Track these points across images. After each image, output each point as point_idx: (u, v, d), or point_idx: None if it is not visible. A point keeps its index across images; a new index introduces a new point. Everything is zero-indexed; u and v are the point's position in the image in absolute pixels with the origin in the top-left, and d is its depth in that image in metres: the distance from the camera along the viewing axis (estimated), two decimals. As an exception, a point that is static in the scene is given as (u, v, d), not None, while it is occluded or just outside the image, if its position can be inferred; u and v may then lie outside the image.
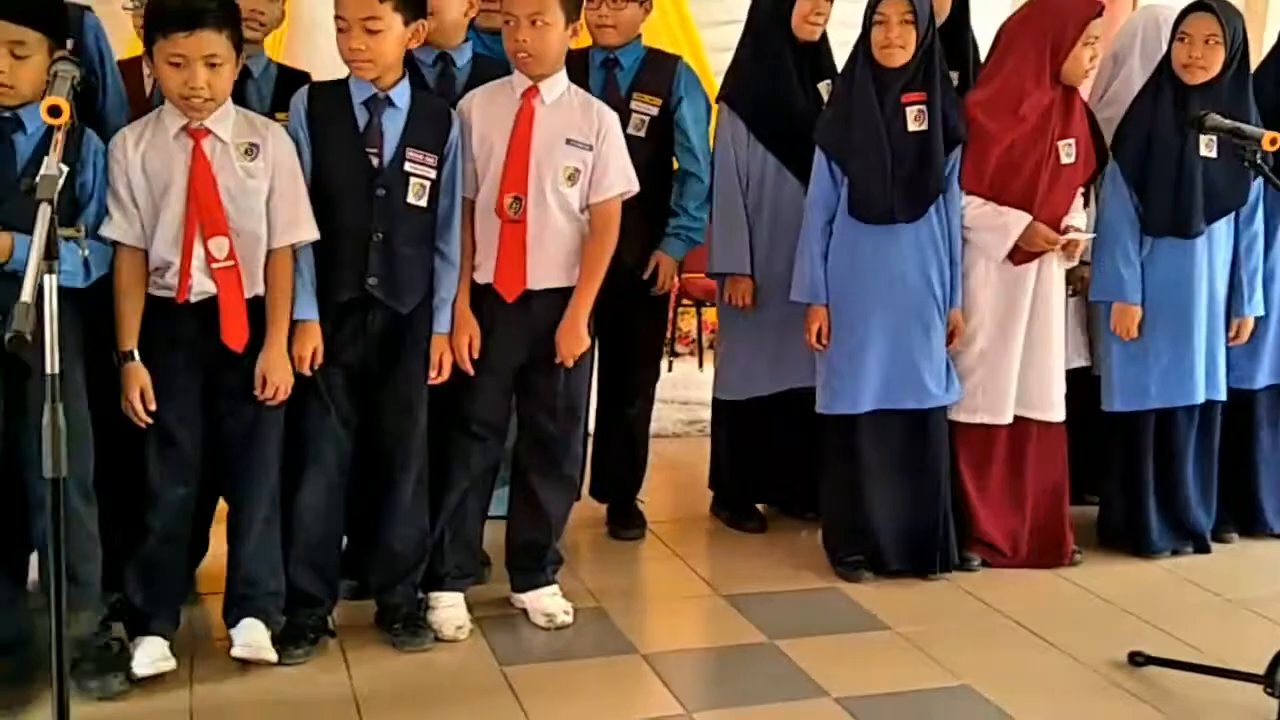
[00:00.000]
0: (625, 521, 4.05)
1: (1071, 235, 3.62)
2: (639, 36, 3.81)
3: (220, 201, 2.83)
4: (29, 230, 1.97)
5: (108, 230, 2.80)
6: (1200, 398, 3.81)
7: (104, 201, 2.82)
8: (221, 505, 3.12)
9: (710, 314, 6.38)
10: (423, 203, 3.04)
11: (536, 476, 3.32)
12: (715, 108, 3.95)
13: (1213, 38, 3.62)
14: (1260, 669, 2.82)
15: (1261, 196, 3.83)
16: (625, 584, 3.70)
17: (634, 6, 3.73)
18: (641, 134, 3.71)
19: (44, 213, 1.95)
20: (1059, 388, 3.73)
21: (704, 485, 4.24)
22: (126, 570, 2.94)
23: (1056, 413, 3.72)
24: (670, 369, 5.71)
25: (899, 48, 3.47)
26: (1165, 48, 3.74)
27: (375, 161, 3.00)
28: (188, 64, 2.75)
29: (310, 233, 2.94)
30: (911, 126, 3.52)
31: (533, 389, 3.26)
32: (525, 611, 3.35)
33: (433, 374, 3.12)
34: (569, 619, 3.31)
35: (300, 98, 3.04)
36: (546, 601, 3.34)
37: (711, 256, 3.89)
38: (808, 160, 3.66)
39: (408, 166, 3.02)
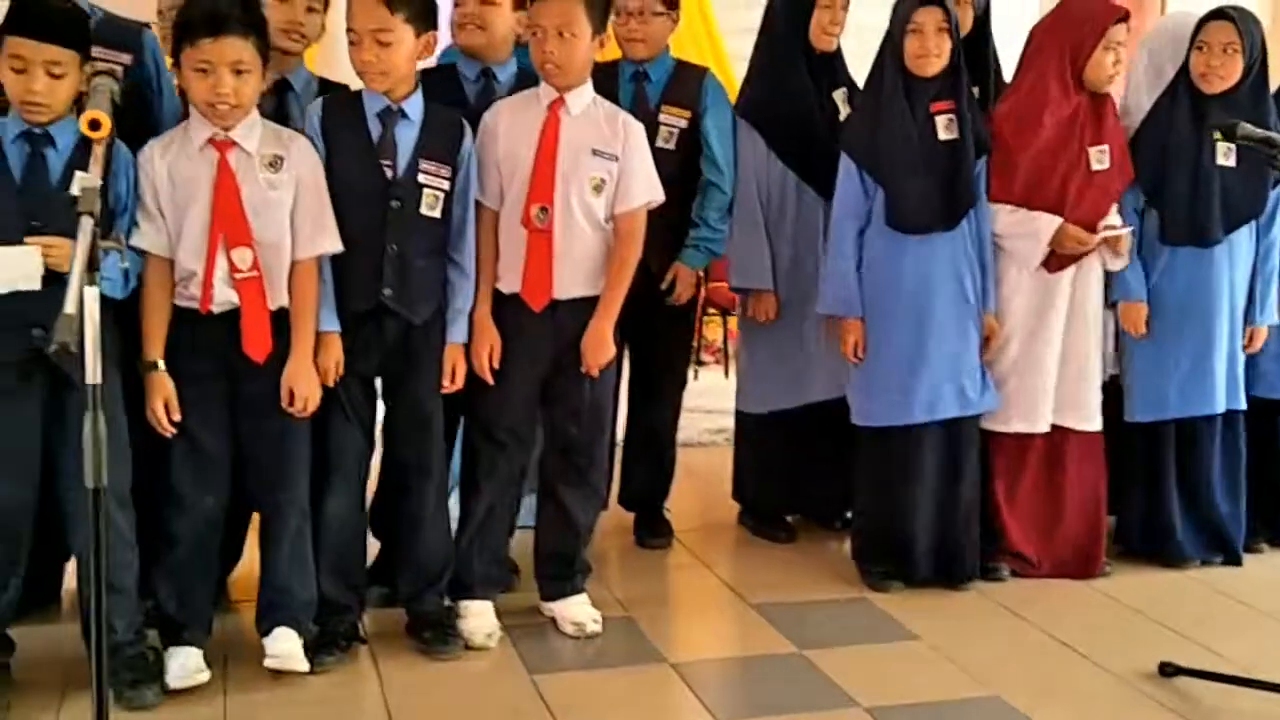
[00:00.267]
0: (653, 530, 4.06)
1: (1107, 232, 3.57)
2: (667, 48, 3.83)
3: (244, 213, 2.85)
4: (67, 241, 2.01)
5: (137, 240, 2.84)
6: (1221, 407, 3.79)
7: (135, 212, 2.85)
8: (256, 514, 3.14)
9: (735, 322, 6.38)
10: (436, 214, 3.06)
11: (563, 486, 3.33)
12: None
13: (1231, 46, 3.61)
14: (1292, 680, 2.81)
15: (1280, 205, 3.82)
16: (653, 593, 3.70)
17: (662, 19, 3.74)
18: (670, 146, 3.72)
19: (86, 225, 1.98)
20: (1096, 396, 3.71)
21: (729, 493, 4.23)
22: (156, 579, 2.96)
23: (1093, 421, 3.71)
24: (696, 378, 5.70)
25: (935, 57, 3.47)
26: (1180, 58, 3.72)
27: (389, 173, 3.02)
28: (214, 70, 2.78)
29: (334, 244, 2.96)
30: (942, 135, 3.52)
31: (559, 398, 3.27)
32: (554, 620, 3.36)
33: (445, 383, 3.13)
34: (598, 628, 3.32)
35: (315, 109, 3.06)
36: (575, 610, 3.35)
37: (732, 271, 3.89)
38: (825, 171, 3.66)
39: (421, 178, 3.04)
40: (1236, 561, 3.89)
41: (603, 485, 3.47)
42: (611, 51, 3.81)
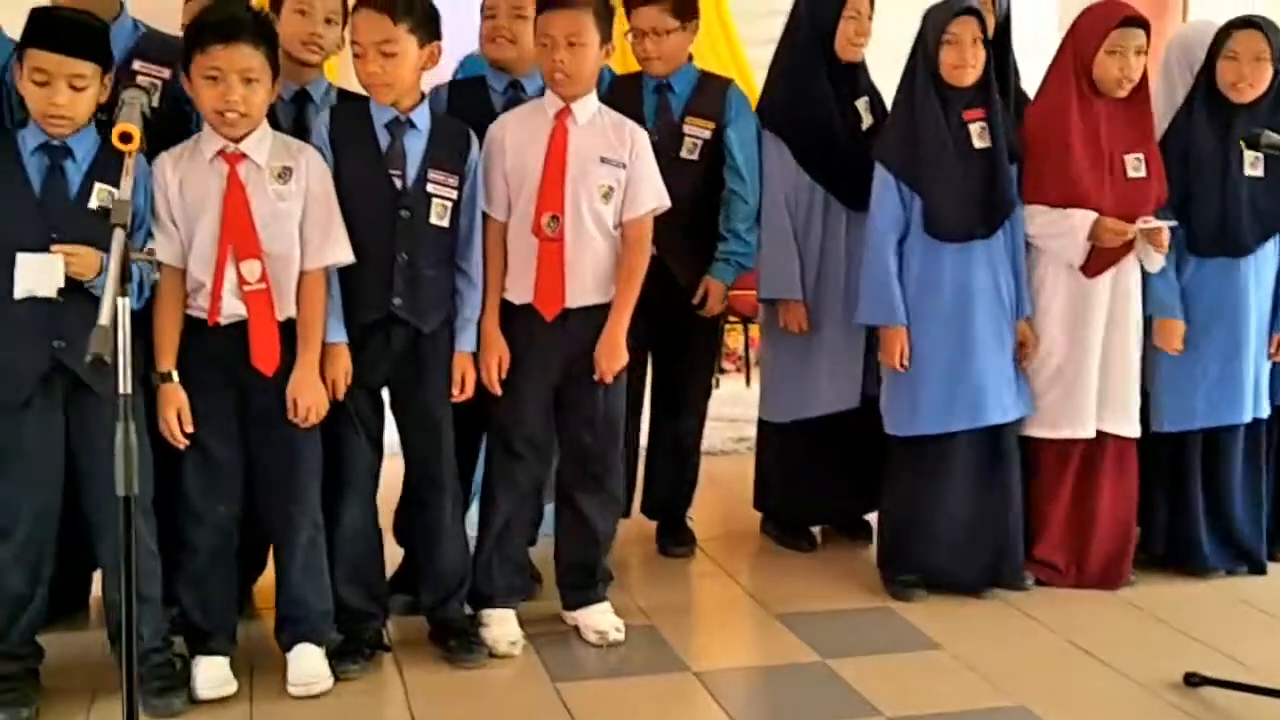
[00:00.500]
0: (675, 538, 4.06)
1: (1144, 224, 3.54)
2: (690, 59, 3.82)
3: (253, 225, 2.86)
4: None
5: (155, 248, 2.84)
6: (1248, 416, 3.78)
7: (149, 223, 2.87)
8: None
9: (757, 331, 6.38)
10: (445, 223, 3.07)
11: (581, 494, 3.34)
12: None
13: (1262, 55, 3.60)
14: (1318, 691, 2.80)
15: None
16: (676, 601, 3.71)
17: (678, 35, 3.72)
18: (694, 157, 3.73)
19: (118, 237, 2.00)
20: (1136, 402, 3.69)
21: (751, 502, 4.23)
22: (179, 588, 2.98)
23: (1134, 427, 3.69)
24: (718, 386, 5.71)
25: (970, 67, 3.48)
26: (1194, 67, 3.72)
27: (398, 183, 3.03)
28: (224, 77, 2.79)
29: (344, 255, 2.96)
30: (976, 143, 3.52)
31: (573, 406, 3.28)
32: (577, 629, 3.37)
33: (455, 392, 3.14)
34: (620, 636, 3.33)
35: (323, 120, 3.07)
36: (598, 619, 3.35)
37: (762, 281, 3.88)
38: (850, 180, 3.67)
39: (430, 188, 3.05)
40: (1261, 570, 3.87)
41: (620, 492, 3.47)
42: (635, 63, 3.84)
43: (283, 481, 2.98)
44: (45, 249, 2.66)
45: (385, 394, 3.18)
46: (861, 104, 3.83)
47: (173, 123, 3.01)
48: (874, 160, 3.59)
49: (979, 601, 3.63)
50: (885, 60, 3.85)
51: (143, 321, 2.82)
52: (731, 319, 6.38)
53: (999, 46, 3.82)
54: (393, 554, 3.38)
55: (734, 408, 5.43)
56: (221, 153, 2.86)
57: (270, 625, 3.17)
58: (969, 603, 3.63)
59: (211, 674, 2.96)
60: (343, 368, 3.00)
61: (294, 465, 2.97)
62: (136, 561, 2.10)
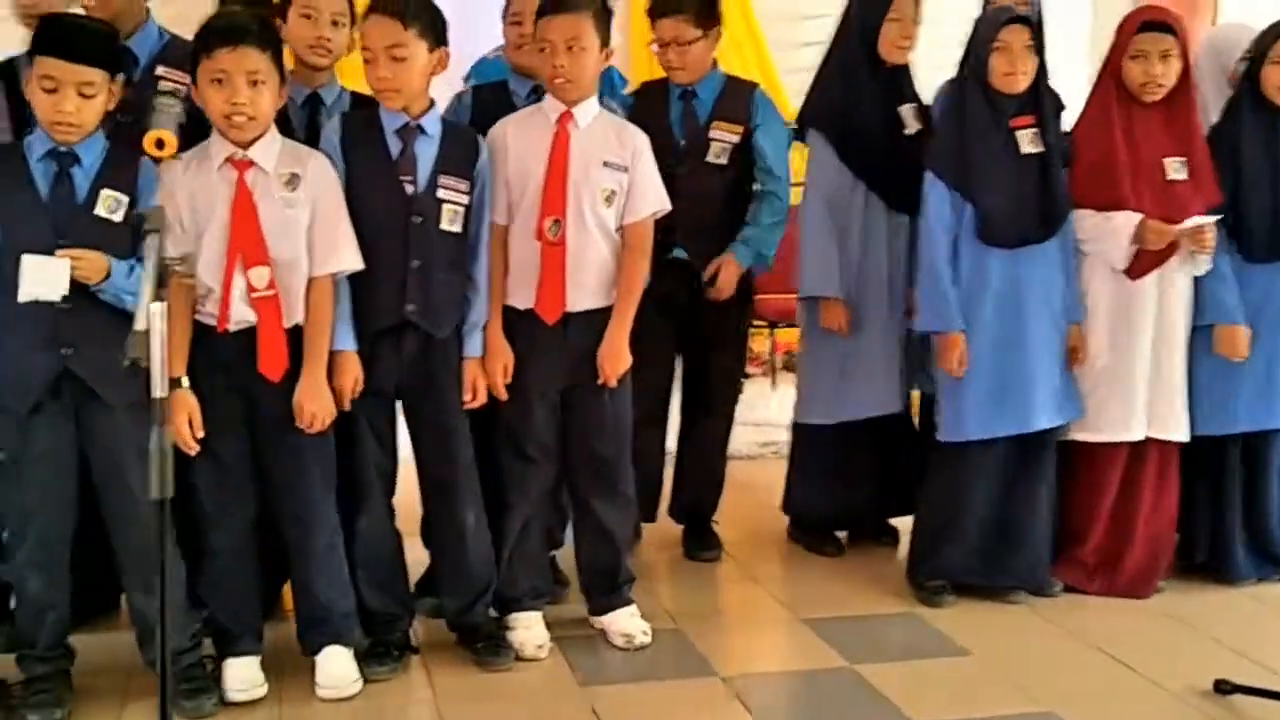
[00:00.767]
0: (702, 543, 4.06)
1: (1189, 223, 3.51)
2: (715, 64, 3.82)
3: (261, 232, 2.86)
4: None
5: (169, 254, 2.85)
6: None
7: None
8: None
9: (783, 335, 6.38)
10: (456, 228, 3.08)
11: (595, 500, 3.34)
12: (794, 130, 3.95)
13: None
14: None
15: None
16: (703, 605, 3.71)
17: (701, 44, 3.71)
18: (723, 161, 3.73)
19: (152, 242, 2.01)
20: (1184, 406, 3.67)
21: (778, 507, 4.22)
22: (203, 592, 3.00)
23: (1182, 431, 3.66)
24: (742, 390, 5.71)
25: (1022, 74, 3.48)
26: (1225, 72, 3.71)
27: (410, 189, 3.04)
28: (230, 80, 2.79)
29: (352, 261, 2.96)
30: (1025, 149, 3.52)
31: (579, 411, 3.29)
32: (604, 632, 3.38)
33: (467, 397, 3.15)
34: (647, 639, 3.33)
35: (333, 127, 3.08)
36: (624, 622, 3.36)
37: (801, 280, 3.86)
38: (892, 182, 3.67)
39: (440, 193, 3.05)
40: (1293, 577, 3.85)
41: (633, 492, 3.46)
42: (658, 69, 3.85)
43: (294, 487, 2.98)
44: (51, 255, 2.67)
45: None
46: (906, 110, 3.80)
47: (194, 130, 3.01)
48: (925, 167, 3.58)
49: (1007, 607, 3.62)
50: (924, 68, 3.87)
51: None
52: (757, 322, 6.38)
53: (1034, 47, 3.82)
54: (421, 557, 3.39)
55: (759, 412, 5.43)
56: (230, 159, 2.87)
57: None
58: (997, 608, 3.61)
59: (242, 675, 2.98)
60: (351, 375, 3.00)
61: (304, 471, 2.98)
62: (168, 563, 2.12)
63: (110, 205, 2.77)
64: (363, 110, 3.15)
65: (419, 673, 3.16)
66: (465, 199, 3.08)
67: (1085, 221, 3.59)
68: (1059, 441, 3.65)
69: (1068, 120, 3.74)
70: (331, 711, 2.97)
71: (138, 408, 2.72)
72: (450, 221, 3.07)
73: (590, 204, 3.17)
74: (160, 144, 2.23)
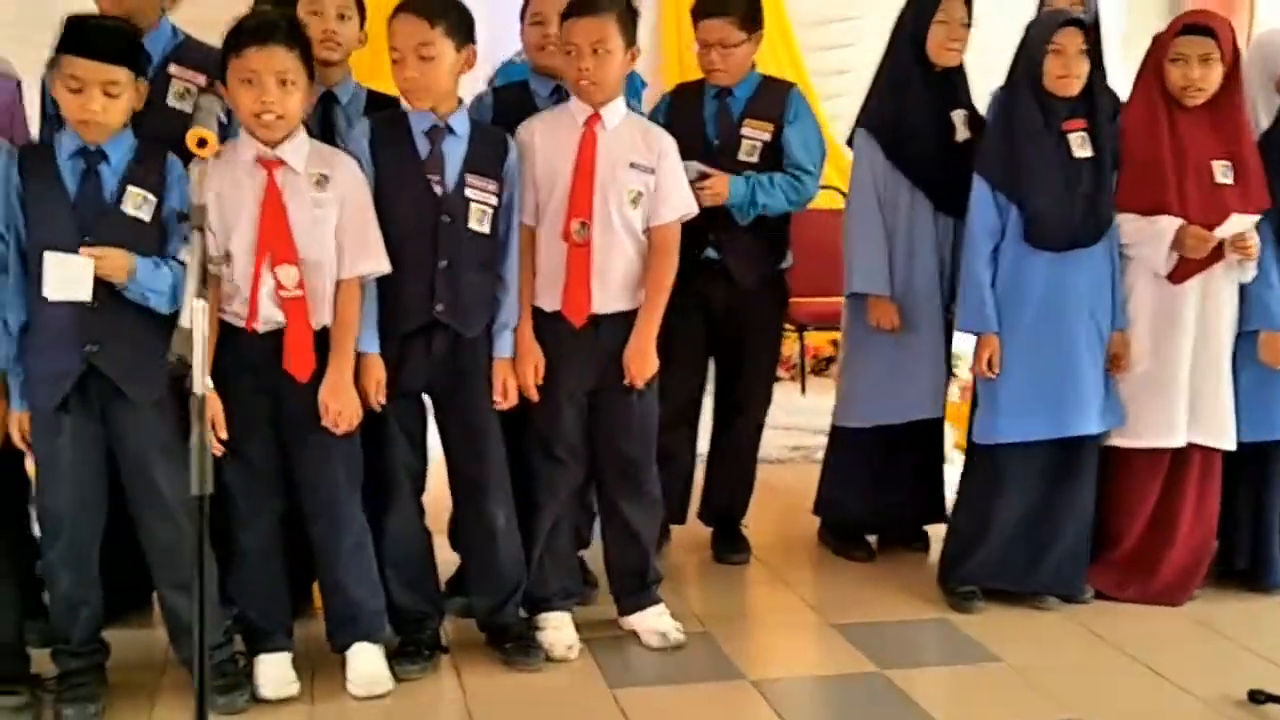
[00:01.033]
0: (731, 546, 4.06)
1: (1229, 228, 3.47)
2: (753, 66, 3.81)
3: (290, 231, 2.87)
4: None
5: (186, 255, 2.86)
6: None
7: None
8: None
9: (812, 339, 6.38)
10: (485, 228, 3.08)
11: (622, 501, 3.35)
12: (827, 130, 3.95)
13: None
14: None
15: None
16: (732, 609, 3.71)
17: (745, 47, 3.71)
18: (754, 159, 3.71)
19: (196, 241, 2.02)
20: (1230, 413, 3.64)
21: (808, 511, 4.22)
22: (233, 590, 3.02)
23: (1227, 439, 3.64)
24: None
25: (1075, 78, 3.47)
26: (1270, 78, 3.68)
27: (438, 189, 3.04)
28: (259, 80, 2.80)
29: (380, 264, 2.97)
30: (1076, 153, 3.51)
31: (606, 412, 3.29)
32: (635, 633, 3.37)
33: (497, 398, 3.15)
34: (681, 637, 3.34)
35: (362, 130, 3.09)
36: (656, 621, 3.36)
37: (850, 276, 3.85)
38: (941, 187, 3.66)
39: (469, 193, 3.06)
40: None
41: (659, 492, 3.45)
42: (697, 69, 3.84)
43: (320, 486, 2.99)
44: (78, 252, 2.69)
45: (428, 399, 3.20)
46: (958, 116, 3.78)
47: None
48: (972, 170, 3.57)
49: (1038, 613, 3.60)
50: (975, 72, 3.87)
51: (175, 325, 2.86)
52: (787, 326, 6.37)
53: (1091, 48, 3.81)
54: (450, 557, 3.39)
55: (789, 415, 5.42)
56: (259, 158, 2.88)
57: (329, 625, 3.21)
58: (1028, 614, 3.60)
59: (274, 673, 3.00)
60: (375, 377, 3.01)
61: (330, 470, 2.99)
62: (204, 559, 2.13)
63: (138, 203, 2.79)
64: (391, 111, 3.16)
65: (449, 672, 3.17)
66: (494, 199, 3.09)
67: (1128, 225, 3.57)
68: (1100, 447, 3.63)
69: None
70: (362, 709, 2.98)
71: (163, 405, 2.79)
72: (479, 221, 3.07)
73: (617, 206, 3.17)
74: (202, 143, 2.24)
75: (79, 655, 2.91)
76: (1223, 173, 3.56)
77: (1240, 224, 3.49)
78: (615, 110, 3.22)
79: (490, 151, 3.12)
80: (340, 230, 2.93)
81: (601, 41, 3.11)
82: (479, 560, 3.25)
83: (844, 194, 4.04)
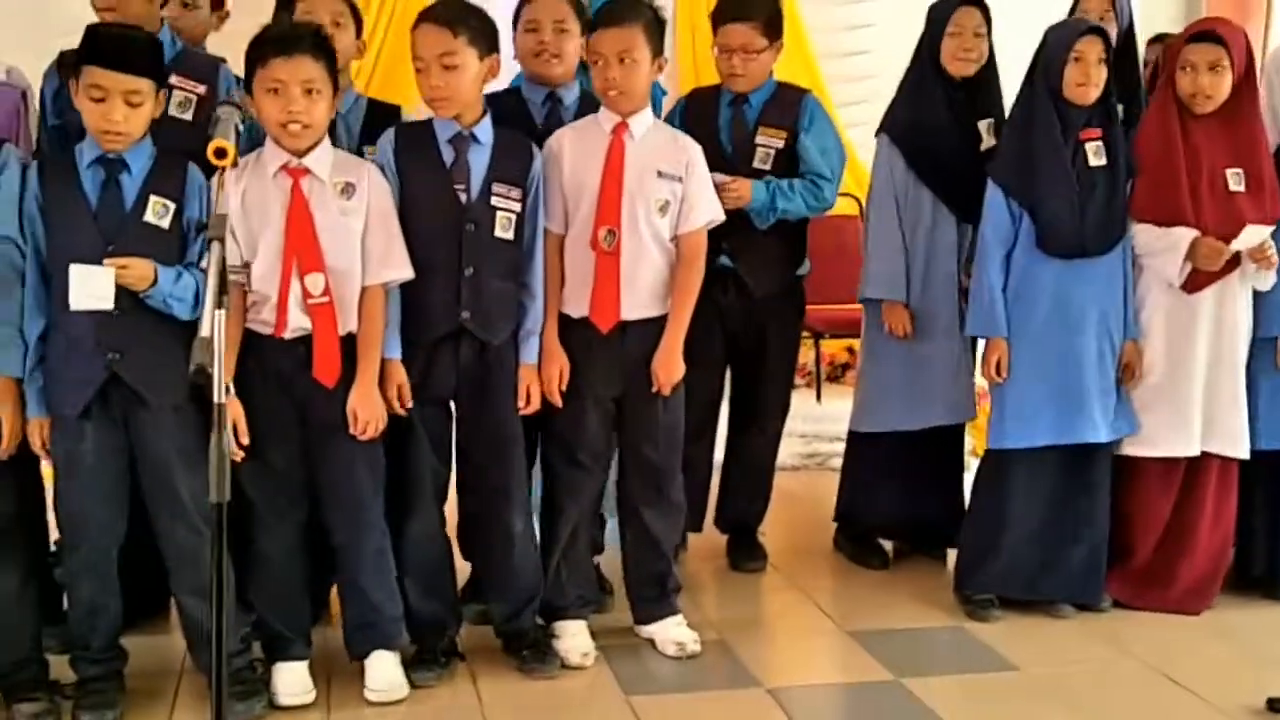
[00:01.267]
0: (747, 554, 4.05)
1: (1244, 240, 3.46)
2: (770, 74, 3.82)
3: (317, 238, 2.89)
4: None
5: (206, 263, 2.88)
6: None
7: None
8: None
9: (828, 346, 6.37)
10: (509, 236, 3.10)
11: (645, 508, 3.35)
12: (847, 138, 3.95)
13: None
14: None
15: None
16: (748, 616, 3.70)
17: (767, 54, 3.72)
18: (767, 167, 3.71)
19: (215, 251, 2.04)
20: (1244, 422, 3.62)
21: (823, 519, 4.22)
22: (253, 596, 3.02)
23: (1242, 448, 3.62)
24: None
25: (1094, 85, 3.47)
26: None
27: (463, 198, 3.06)
28: (285, 89, 2.83)
29: (403, 271, 2.99)
30: (1092, 162, 3.51)
31: (633, 418, 3.30)
32: (651, 641, 3.37)
33: (521, 404, 3.16)
34: (698, 647, 3.33)
35: (387, 139, 3.11)
36: (674, 631, 3.36)
37: (865, 281, 3.86)
38: (963, 195, 3.66)
39: (494, 201, 3.07)
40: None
41: (683, 500, 3.46)
42: (711, 75, 3.84)
43: (345, 493, 3.00)
44: (100, 261, 2.71)
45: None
46: (984, 125, 3.78)
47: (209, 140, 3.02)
48: (987, 175, 3.58)
49: (1055, 622, 3.59)
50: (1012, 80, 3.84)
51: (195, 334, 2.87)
52: (804, 333, 6.36)
53: (1125, 53, 3.81)
54: (464, 564, 3.40)
55: (805, 423, 5.41)
56: (285, 167, 2.90)
57: (346, 632, 3.21)
58: (1045, 623, 3.59)
59: (292, 681, 3.01)
60: (397, 383, 3.02)
61: (355, 476, 3.00)
62: (224, 566, 2.14)
63: (159, 211, 2.81)
64: (416, 121, 3.18)
65: (464, 680, 3.17)
66: (518, 206, 3.10)
67: (1143, 235, 3.56)
68: (1114, 456, 3.63)
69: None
70: (379, 716, 2.99)
71: (184, 412, 2.80)
72: (504, 229, 3.09)
73: (645, 214, 3.18)
74: (221, 153, 2.25)
75: (98, 662, 2.93)
76: (1235, 181, 3.55)
77: (1255, 236, 3.48)
78: (643, 119, 3.23)
79: (515, 159, 3.13)
80: (365, 238, 2.95)
81: (628, 51, 3.13)
82: (497, 567, 3.25)
83: (860, 201, 4.04)
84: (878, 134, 3.91)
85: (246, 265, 2.75)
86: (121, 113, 2.74)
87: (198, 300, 2.78)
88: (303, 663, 3.05)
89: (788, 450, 5.07)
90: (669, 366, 3.23)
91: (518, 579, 3.23)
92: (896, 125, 3.86)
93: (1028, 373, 3.53)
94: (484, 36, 3.04)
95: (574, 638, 3.29)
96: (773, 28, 3.72)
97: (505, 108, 3.42)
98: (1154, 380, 3.60)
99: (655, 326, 3.24)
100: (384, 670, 3.05)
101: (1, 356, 2.79)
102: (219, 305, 2.05)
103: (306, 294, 2.87)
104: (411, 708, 3.03)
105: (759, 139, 3.74)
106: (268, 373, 2.91)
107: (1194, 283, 3.55)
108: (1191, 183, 3.53)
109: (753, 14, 3.68)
